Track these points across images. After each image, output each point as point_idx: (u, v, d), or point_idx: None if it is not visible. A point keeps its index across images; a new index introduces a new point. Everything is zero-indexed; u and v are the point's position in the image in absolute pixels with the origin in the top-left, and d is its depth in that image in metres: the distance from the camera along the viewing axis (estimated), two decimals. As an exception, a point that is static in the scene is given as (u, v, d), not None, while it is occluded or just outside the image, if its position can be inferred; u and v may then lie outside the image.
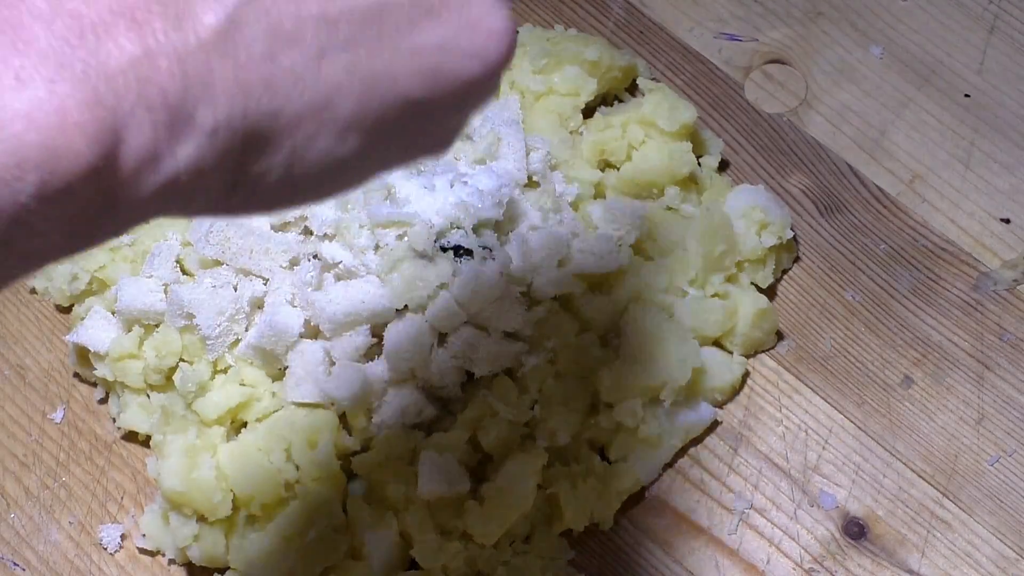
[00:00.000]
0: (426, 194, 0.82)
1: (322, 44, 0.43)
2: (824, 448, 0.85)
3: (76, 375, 0.89)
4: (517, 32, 0.48)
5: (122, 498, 0.85)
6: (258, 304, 0.83)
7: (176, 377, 0.82)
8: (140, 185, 0.41)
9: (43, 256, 0.41)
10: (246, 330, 0.82)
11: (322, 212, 0.83)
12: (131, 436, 0.86)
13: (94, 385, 0.88)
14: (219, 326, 0.81)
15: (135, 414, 0.84)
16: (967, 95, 0.96)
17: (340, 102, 0.44)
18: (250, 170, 0.44)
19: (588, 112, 0.93)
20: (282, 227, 0.84)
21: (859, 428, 0.86)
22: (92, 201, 0.40)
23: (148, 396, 0.84)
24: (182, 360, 0.83)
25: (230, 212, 0.47)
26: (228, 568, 0.81)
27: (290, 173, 0.45)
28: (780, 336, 0.89)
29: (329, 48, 0.44)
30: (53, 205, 0.39)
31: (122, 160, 0.40)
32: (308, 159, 0.45)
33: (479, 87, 0.48)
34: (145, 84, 0.40)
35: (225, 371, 0.83)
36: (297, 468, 0.80)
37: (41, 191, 0.38)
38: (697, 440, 0.85)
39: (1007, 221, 0.92)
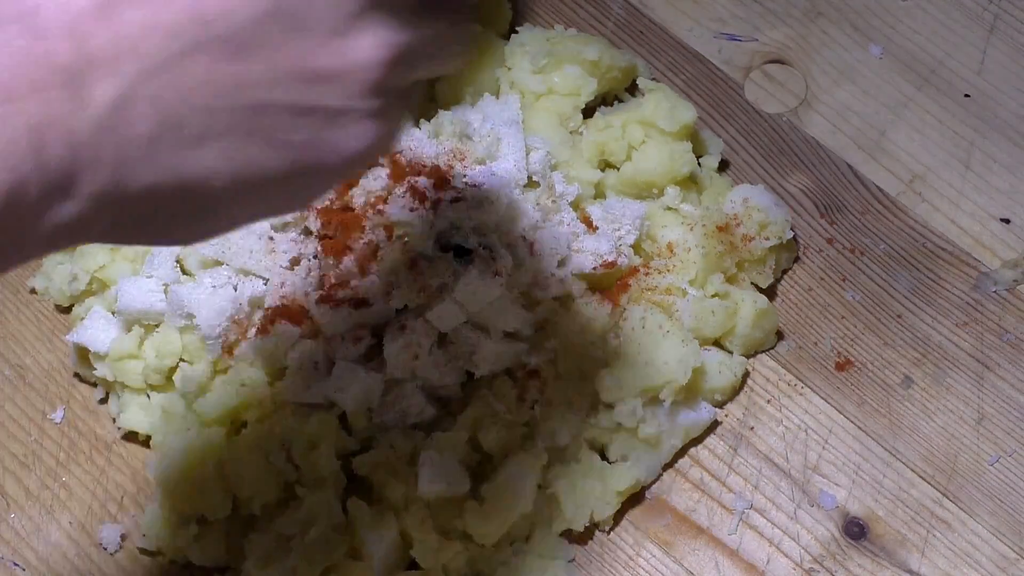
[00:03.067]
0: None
1: (202, 131, 0.47)
2: (824, 448, 0.85)
3: (76, 375, 0.89)
4: (394, 133, 0.53)
5: (122, 498, 0.85)
6: (258, 304, 0.83)
7: (176, 377, 0.83)
8: (32, 231, 0.46)
9: None
10: (246, 331, 0.82)
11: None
12: (131, 436, 0.86)
13: (94, 385, 0.88)
14: (219, 326, 0.81)
15: (135, 414, 0.84)
16: (967, 95, 0.96)
17: (214, 182, 0.49)
18: (127, 223, 0.49)
19: (588, 112, 0.93)
20: (282, 227, 0.84)
21: (859, 428, 0.86)
22: None
23: (148, 396, 0.84)
24: (182, 360, 0.83)
25: (116, 242, 0.53)
26: (228, 568, 0.81)
27: (167, 227, 0.50)
28: (780, 336, 0.89)
29: (208, 136, 0.48)
30: None
31: (18, 212, 0.45)
32: (181, 221, 0.50)
33: (341, 173, 0.52)
34: (39, 151, 0.44)
35: (225, 371, 0.83)
36: (297, 468, 0.80)
37: None
38: (697, 440, 0.85)
39: (1007, 221, 0.92)
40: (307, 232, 0.84)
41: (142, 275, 0.85)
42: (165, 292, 0.83)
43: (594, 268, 0.84)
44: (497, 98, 0.90)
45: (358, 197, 0.82)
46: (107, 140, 0.46)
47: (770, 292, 0.89)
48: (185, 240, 0.54)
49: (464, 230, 0.82)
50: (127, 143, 0.46)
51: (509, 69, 0.92)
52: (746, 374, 0.87)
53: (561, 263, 0.84)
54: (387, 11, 0.49)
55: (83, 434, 0.87)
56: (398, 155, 0.84)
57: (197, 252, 0.84)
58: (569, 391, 0.82)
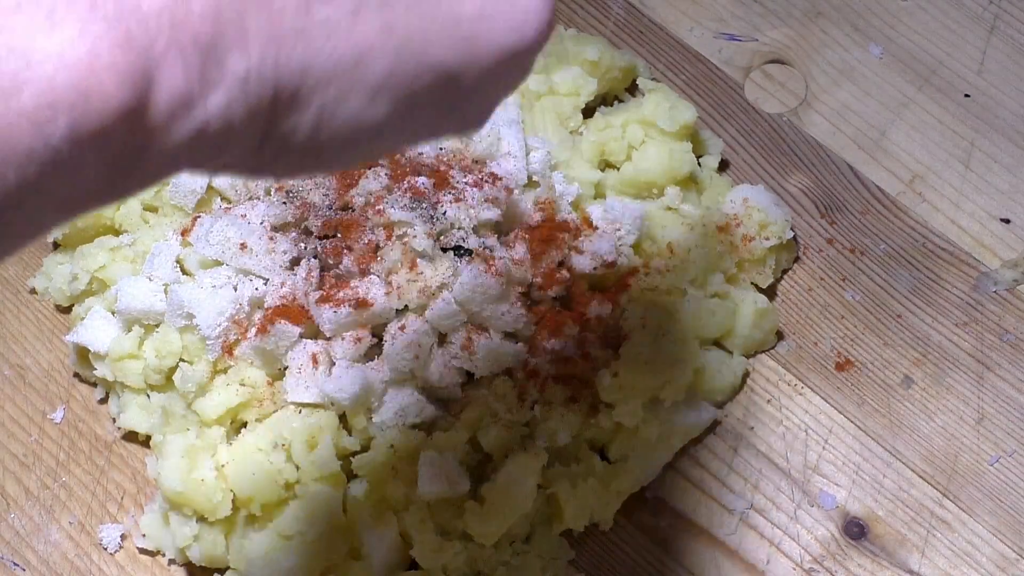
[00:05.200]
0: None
1: (357, 1, 0.43)
2: (824, 448, 0.85)
3: (76, 375, 0.89)
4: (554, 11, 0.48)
5: (122, 498, 0.85)
6: (258, 304, 0.83)
7: (176, 377, 0.82)
8: (171, 131, 0.40)
9: (74, 205, 0.40)
10: (246, 331, 0.82)
11: (322, 212, 0.83)
12: (131, 436, 0.86)
13: (94, 385, 0.88)
14: (219, 326, 0.81)
15: (135, 414, 0.84)
16: (967, 95, 0.96)
17: (372, 63, 0.44)
18: (279, 125, 0.44)
19: (588, 112, 0.93)
20: (282, 227, 0.84)
21: (859, 428, 0.86)
22: (124, 145, 0.39)
23: (148, 396, 0.84)
24: (182, 360, 0.83)
25: (256, 171, 0.46)
26: (228, 568, 0.81)
27: (317, 133, 0.45)
28: (780, 336, 0.89)
29: (364, 5, 0.43)
30: (85, 148, 0.38)
31: (154, 104, 0.39)
32: (336, 120, 0.44)
33: (514, 62, 0.47)
34: (178, 27, 0.39)
35: (225, 371, 0.83)
36: (297, 468, 0.80)
37: (72, 133, 0.37)
38: (697, 440, 0.85)
39: (1007, 221, 0.92)
40: (307, 232, 0.84)
41: (142, 275, 0.85)
42: (165, 292, 0.83)
43: (594, 268, 0.84)
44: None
45: (358, 197, 0.82)
46: (255, 13, 0.40)
47: (770, 292, 0.89)
48: (337, 166, 0.48)
49: (464, 230, 0.82)
50: (276, 16, 0.41)
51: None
52: (746, 374, 0.87)
53: (561, 263, 0.84)
54: None
55: (83, 434, 0.87)
56: (398, 155, 0.84)
57: (197, 252, 0.84)
58: (569, 391, 0.82)
